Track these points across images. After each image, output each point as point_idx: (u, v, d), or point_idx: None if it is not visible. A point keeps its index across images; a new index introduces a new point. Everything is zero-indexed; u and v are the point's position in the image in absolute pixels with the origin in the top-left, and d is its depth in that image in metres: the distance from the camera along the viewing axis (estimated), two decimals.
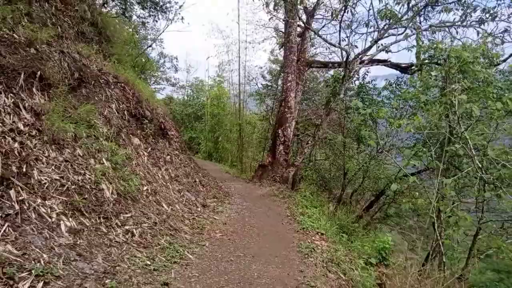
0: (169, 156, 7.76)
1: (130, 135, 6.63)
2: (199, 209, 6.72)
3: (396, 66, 12.30)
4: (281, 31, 14.71)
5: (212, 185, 9.23)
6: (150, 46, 16.76)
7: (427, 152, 7.02)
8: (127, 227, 4.50)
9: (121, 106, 6.62)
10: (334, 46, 9.98)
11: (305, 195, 10.86)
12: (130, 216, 4.77)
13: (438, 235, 5.66)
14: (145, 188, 5.73)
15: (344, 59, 9.75)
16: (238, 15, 17.00)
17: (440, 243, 5.64)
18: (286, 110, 11.24)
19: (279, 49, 16.60)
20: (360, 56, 10.51)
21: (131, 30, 16.47)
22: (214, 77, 25.38)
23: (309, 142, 10.93)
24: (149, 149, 7.06)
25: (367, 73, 11.65)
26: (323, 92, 17.90)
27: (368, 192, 11.14)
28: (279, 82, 17.85)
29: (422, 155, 7.19)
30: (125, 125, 6.52)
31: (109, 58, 8.00)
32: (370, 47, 10.26)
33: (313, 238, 6.01)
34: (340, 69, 11.80)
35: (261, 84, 21.19)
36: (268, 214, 7.34)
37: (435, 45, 7.40)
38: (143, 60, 16.56)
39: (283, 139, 11.22)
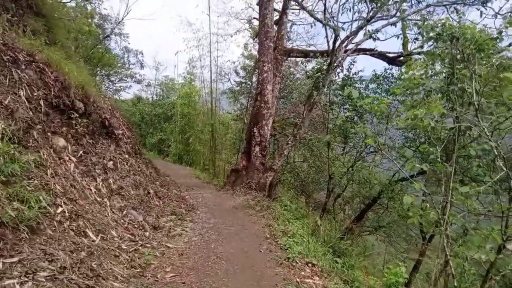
0: (112, 162, 5.86)
1: (49, 134, 4.71)
2: (147, 233, 4.86)
3: (383, 56, 10.91)
4: (256, 20, 13.06)
5: (172, 196, 7.37)
6: (108, 36, 14.60)
7: (436, 152, 5.45)
8: (4, 283, 2.65)
9: (35, 94, 4.68)
10: (321, 22, 8.35)
11: (285, 204, 9.22)
12: (17, 260, 2.91)
13: (448, 253, 4.31)
14: (60, 209, 3.85)
15: (332, 41, 8.17)
16: (209, 6, 15.28)
17: (451, 264, 4.26)
18: (262, 105, 9.54)
19: (253, 39, 14.95)
20: (346, 42, 9.00)
21: (85, 18, 14.31)
22: (184, 75, 23.42)
23: (289, 142, 9.29)
24: (80, 152, 5.15)
25: (353, 63, 10.16)
26: (302, 89, 16.44)
27: (356, 199, 9.61)
28: (254, 79, 16.18)
29: (430, 155, 5.64)
30: (40, 119, 4.58)
31: (39, 37, 6.03)
32: (358, 31, 8.77)
33: (303, 273, 4.31)
34: (321, 59, 10.24)
35: (235, 81, 19.45)
36: (242, 236, 5.58)
37: (443, 21, 5.92)
38: (101, 52, 14.40)
39: (259, 139, 9.51)
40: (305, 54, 10.56)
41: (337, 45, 8.10)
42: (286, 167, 13.84)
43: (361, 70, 10.19)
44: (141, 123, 27.59)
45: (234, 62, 18.46)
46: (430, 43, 7.05)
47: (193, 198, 8.28)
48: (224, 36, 17.02)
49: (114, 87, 22.97)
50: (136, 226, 4.90)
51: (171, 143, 23.10)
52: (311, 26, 10.28)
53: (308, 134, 14.83)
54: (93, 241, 3.92)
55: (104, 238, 4.14)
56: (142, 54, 19.75)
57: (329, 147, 10.18)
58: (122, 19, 13.49)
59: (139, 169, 6.99)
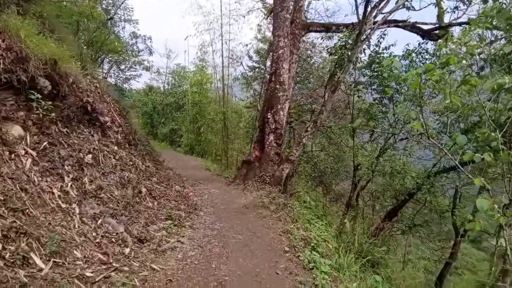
0: (91, 155, 4.65)
1: None
2: (127, 250, 3.64)
3: (417, 29, 9.33)
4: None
5: (172, 195, 6.15)
6: (111, 18, 13.38)
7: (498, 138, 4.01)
8: None
9: None
10: None
11: (304, 200, 7.91)
12: None
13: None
14: None
15: (363, 5, 6.67)
16: None
17: None
18: (277, 86, 8.16)
19: (267, 18, 13.48)
20: (375, 12, 7.51)
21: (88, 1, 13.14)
22: (195, 62, 22.12)
23: (308, 129, 7.92)
24: (44, 144, 3.94)
25: (383, 36, 8.58)
26: (320, 72, 14.94)
27: (387, 193, 8.17)
28: (268, 63, 14.72)
29: (491, 142, 4.20)
30: None
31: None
32: None
33: None
34: (346, 33, 8.72)
35: (247, 66, 18.04)
36: (253, 248, 4.31)
37: None
38: (103, 36, 13.21)
39: (273, 126, 8.17)
40: (327, 27, 9.08)
41: (368, 9, 6.62)
42: (303, 157, 12.49)
43: (392, 45, 8.63)
44: (152, 113, 26.63)
45: (246, 45, 16.98)
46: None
47: (197, 195, 7.06)
48: (236, 17, 15.52)
49: (124, 76, 21.97)
50: (113, 240, 3.69)
51: (182, 133, 22.00)
52: (325, 11, 8.79)
53: (327, 120, 13.43)
54: (40, 270, 2.72)
55: (60, 263, 2.94)
56: (151, 39, 18.62)
57: (354, 134, 8.76)
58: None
59: (131, 163, 5.77)
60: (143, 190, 5.34)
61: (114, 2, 17.54)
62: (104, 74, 18.32)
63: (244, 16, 15.32)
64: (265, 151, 8.28)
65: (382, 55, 8.72)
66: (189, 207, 5.81)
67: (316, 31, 9.39)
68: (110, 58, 17.53)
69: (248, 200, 6.77)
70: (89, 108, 5.22)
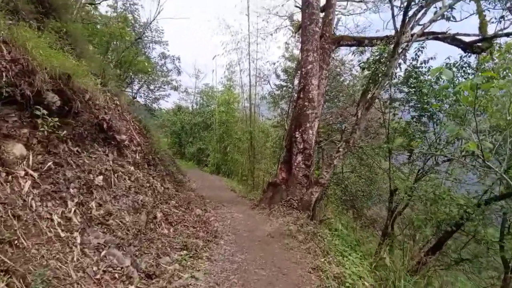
0: (102, 177, 4.25)
1: None
2: None
3: (458, 41, 8.55)
4: (297, 10, 11.23)
5: (190, 220, 5.63)
6: (139, 38, 13.50)
7: None
8: None
9: None
10: None
11: (335, 228, 7.14)
12: None
13: None
14: None
15: (401, 14, 6.07)
16: (248, 6, 13.75)
17: None
18: (306, 104, 7.60)
19: (295, 35, 13.13)
20: (412, 23, 6.88)
21: (117, 22, 13.40)
22: (222, 81, 22.13)
23: (340, 149, 7.25)
24: (49, 164, 3.57)
25: (420, 49, 7.86)
26: (351, 90, 14.30)
27: (429, 222, 7.21)
28: (295, 82, 14.26)
29: None
30: None
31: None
32: (427, 4, 6.65)
33: None
34: (380, 46, 8.08)
35: (275, 84, 17.71)
36: None
37: None
38: (132, 55, 13.31)
39: (302, 145, 7.56)
40: (359, 41, 8.49)
41: (407, 19, 6.01)
42: (332, 178, 11.73)
43: (432, 58, 7.88)
44: (181, 132, 26.76)
45: (274, 63, 16.67)
46: None
47: (219, 220, 6.51)
48: (263, 35, 15.31)
49: (153, 96, 22.27)
50: (116, 276, 3.18)
51: (209, 152, 21.77)
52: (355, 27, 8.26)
53: (359, 140, 12.68)
54: None
55: None
56: (179, 60, 18.75)
57: (390, 155, 7.97)
58: (154, 19, 12.30)
59: (148, 184, 5.34)
60: (159, 215, 4.86)
61: (145, 25, 17.99)
62: (133, 94, 18.56)
63: (271, 34, 15.07)
64: (292, 173, 7.66)
65: (420, 69, 7.99)
66: (208, 234, 5.25)
67: (347, 45, 8.82)
68: (140, 79, 17.75)
69: (274, 227, 6.13)
70: (105, 125, 4.89)
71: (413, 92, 7.88)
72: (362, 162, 13.99)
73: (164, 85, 19.97)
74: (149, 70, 15.86)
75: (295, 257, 4.71)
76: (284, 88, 17.33)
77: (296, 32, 12.68)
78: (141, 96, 21.54)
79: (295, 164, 7.60)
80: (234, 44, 16.71)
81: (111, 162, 4.71)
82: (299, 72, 9.42)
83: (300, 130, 7.58)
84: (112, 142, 5.02)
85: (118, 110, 6.00)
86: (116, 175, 4.60)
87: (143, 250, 3.84)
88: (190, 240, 4.65)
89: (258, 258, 4.57)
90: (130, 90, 17.53)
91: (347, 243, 6.50)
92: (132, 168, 5.23)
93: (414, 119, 7.82)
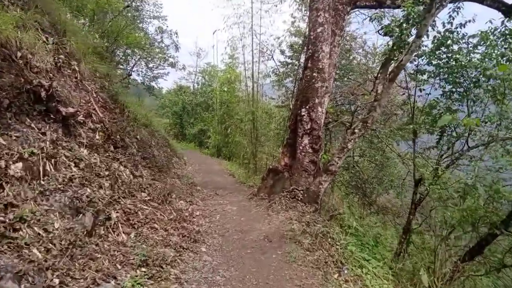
0: (21, 164, 2.90)
1: None
2: None
3: (498, 3, 6.98)
4: None
5: (164, 218, 4.30)
6: (128, 6, 11.89)
7: None
8: None
9: None
10: None
11: (348, 225, 5.80)
12: None
13: None
14: None
15: None
16: None
17: None
18: (314, 74, 6.13)
19: (301, 7, 11.52)
20: None
21: None
22: (224, 60, 20.50)
23: (356, 131, 5.84)
24: None
25: (456, 10, 6.27)
26: (362, 68, 12.74)
27: (469, 218, 5.82)
28: (302, 58, 12.67)
29: None
30: None
31: None
32: None
33: None
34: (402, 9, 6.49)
35: (279, 61, 16.11)
36: None
37: None
38: (121, 25, 11.76)
39: (309, 125, 6.14)
40: (379, 2, 6.92)
41: None
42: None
43: (469, 21, 6.31)
44: (182, 113, 25.40)
45: (278, 38, 14.97)
46: None
47: (206, 216, 5.20)
48: (267, 6, 13.62)
49: (152, 74, 20.80)
50: None
51: (210, 134, 20.40)
52: None
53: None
54: None
55: None
56: (177, 34, 17.12)
57: (415, 137, 6.54)
58: None
59: (108, 172, 3.99)
60: (115, 215, 3.53)
61: None
62: (129, 71, 17.10)
63: (275, 5, 13.36)
64: (297, 158, 6.27)
65: (453, 35, 6.42)
66: (185, 238, 3.94)
67: (365, 7, 7.21)
68: (136, 55, 16.26)
69: (273, 227, 4.80)
70: (42, 94, 3.51)
71: (445, 62, 6.35)
72: (372, 145, 12.59)
73: (162, 63, 18.43)
74: (143, 43, 14.33)
75: (300, 275, 3.39)
76: (290, 65, 15.76)
77: (302, 2, 11.07)
78: (138, 74, 20.11)
79: (301, 147, 6.21)
80: (236, 18, 15.05)
81: (48, 143, 3.36)
82: (305, 48, 7.87)
83: (307, 107, 6.14)
84: (55, 117, 3.65)
85: (76, 78, 4.61)
86: (53, 161, 3.26)
87: (72, 275, 2.52)
88: (155, 250, 3.34)
89: (248, 276, 3.26)
90: (123, 66, 16.08)
91: (365, 246, 5.18)
92: (85, 151, 3.88)
93: (444, 96, 6.34)
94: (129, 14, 12.91)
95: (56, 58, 4.27)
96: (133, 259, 3.09)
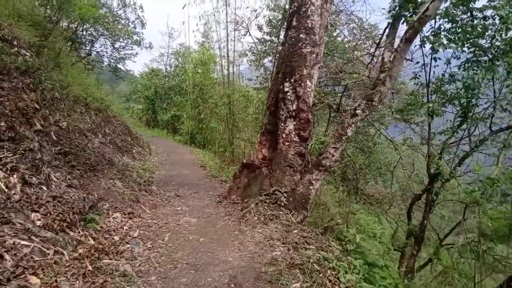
0: None
1: None
2: None
3: None
4: None
5: (70, 251, 2.57)
6: None
7: None
8: None
9: None
10: None
11: (349, 239, 4.24)
12: None
13: None
14: None
15: None
16: None
17: None
18: (302, 36, 4.42)
19: None
20: None
21: None
22: (196, 39, 18.41)
23: (358, 111, 4.25)
24: None
25: None
26: (347, 44, 11.25)
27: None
28: (282, 35, 10.88)
29: None
30: None
31: None
32: None
33: None
34: None
35: (257, 38, 14.31)
36: None
37: None
38: None
39: (295, 105, 4.48)
40: None
41: None
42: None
43: None
44: (154, 98, 23.20)
45: (255, 10, 13.10)
46: None
47: (149, 237, 3.48)
48: None
49: (119, 55, 18.41)
50: None
51: (184, 119, 18.44)
52: None
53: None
54: None
55: None
56: (142, 9, 14.88)
57: (432, 119, 5.03)
58: None
59: None
60: None
61: None
62: (88, 51, 14.79)
63: None
64: (279, 149, 4.63)
65: None
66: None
67: None
68: (98, 33, 13.97)
69: (245, 256, 3.15)
70: None
71: (465, 24, 4.79)
72: (358, 129, 11.19)
73: (128, 42, 16.14)
74: (102, 19, 12.07)
75: None
76: (268, 42, 13.96)
77: None
78: (103, 56, 17.69)
79: (284, 135, 4.55)
80: None
81: None
82: (285, 24, 6.09)
83: (292, 81, 4.45)
84: None
85: None
86: None
87: None
88: None
89: None
90: (82, 45, 13.78)
91: (374, 272, 3.65)
92: None
93: (471, 63, 4.81)
94: None
95: None
96: None
